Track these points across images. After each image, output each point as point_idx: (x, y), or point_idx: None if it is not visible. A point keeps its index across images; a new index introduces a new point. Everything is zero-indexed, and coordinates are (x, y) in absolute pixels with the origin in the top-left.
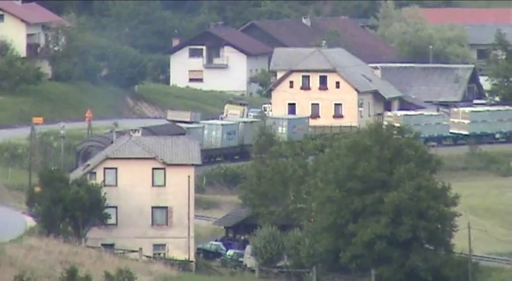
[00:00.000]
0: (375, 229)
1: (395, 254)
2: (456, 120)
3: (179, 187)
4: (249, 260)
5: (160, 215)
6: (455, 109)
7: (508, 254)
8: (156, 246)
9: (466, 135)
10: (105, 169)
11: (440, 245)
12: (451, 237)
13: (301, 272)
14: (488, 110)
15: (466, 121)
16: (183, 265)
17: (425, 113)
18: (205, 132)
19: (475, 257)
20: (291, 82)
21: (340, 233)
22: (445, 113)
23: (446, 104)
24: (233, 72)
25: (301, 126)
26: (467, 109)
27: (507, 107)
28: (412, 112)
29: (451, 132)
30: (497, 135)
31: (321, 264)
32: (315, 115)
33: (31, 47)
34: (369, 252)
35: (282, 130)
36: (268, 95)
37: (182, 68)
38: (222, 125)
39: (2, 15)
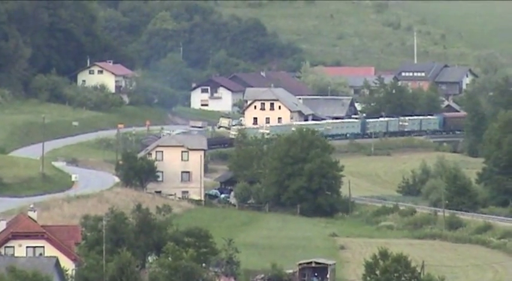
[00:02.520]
0: (299, 183)
1: (310, 196)
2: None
3: (195, 161)
4: (233, 200)
5: (186, 176)
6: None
7: (370, 197)
8: (184, 192)
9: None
10: (156, 151)
11: (333, 191)
12: (339, 188)
13: (260, 206)
14: (342, 122)
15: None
16: (198, 202)
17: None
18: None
19: (352, 198)
20: (255, 106)
21: (281, 185)
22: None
23: (337, 118)
24: (224, 101)
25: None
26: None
27: (351, 120)
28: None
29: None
30: (348, 135)
31: (270, 201)
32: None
33: (117, 87)
34: (296, 195)
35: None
36: (243, 113)
37: (197, 98)
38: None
39: (102, 70)
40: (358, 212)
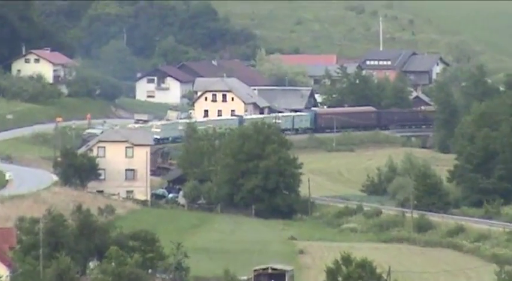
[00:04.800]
0: (254, 181)
1: (266, 196)
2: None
3: (141, 158)
4: (181, 200)
5: (130, 174)
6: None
7: (331, 197)
8: (128, 192)
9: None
10: (98, 147)
11: (292, 191)
12: (298, 186)
13: (211, 207)
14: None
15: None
16: (144, 202)
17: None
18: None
19: (312, 198)
20: (206, 98)
21: (234, 184)
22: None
23: (295, 110)
24: (172, 92)
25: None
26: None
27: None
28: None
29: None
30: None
31: (222, 202)
32: (220, 116)
33: (55, 77)
34: (251, 195)
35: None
36: (192, 105)
37: (143, 89)
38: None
39: (38, 59)
40: (318, 214)
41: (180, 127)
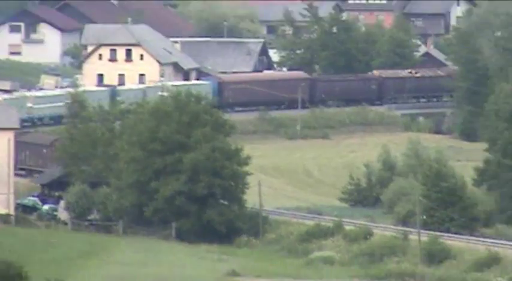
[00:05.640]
0: (174, 185)
1: (193, 209)
2: None
3: (0, 148)
4: (62, 214)
5: None
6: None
7: (294, 209)
8: None
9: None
10: None
11: (233, 200)
12: (243, 193)
13: (109, 224)
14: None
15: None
16: (4, 218)
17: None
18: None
19: (265, 211)
20: (100, 55)
21: (143, 190)
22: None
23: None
24: (49, 46)
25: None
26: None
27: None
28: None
29: None
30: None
31: (126, 217)
32: (121, 85)
33: None
34: (169, 206)
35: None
36: (80, 66)
37: (2, 42)
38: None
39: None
40: (274, 235)
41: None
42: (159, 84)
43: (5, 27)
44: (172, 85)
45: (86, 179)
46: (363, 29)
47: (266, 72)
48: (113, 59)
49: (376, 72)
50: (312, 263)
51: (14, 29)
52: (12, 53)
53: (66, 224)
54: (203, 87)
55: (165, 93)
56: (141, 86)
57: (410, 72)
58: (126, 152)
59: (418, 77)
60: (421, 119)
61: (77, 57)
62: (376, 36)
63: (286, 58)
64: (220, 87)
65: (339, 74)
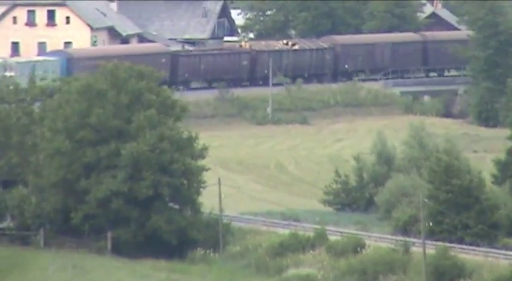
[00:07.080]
0: (110, 185)
1: (134, 214)
2: None
3: None
4: None
5: None
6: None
7: (264, 214)
8: None
9: None
10: None
11: (186, 203)
12: (198, 194)
13: (27, 234)
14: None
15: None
16: None
17: None
18: None
19: (227, 217)
20: (15, 18)
21: (71, 190)
22: None
23: (192, 42)
24: None
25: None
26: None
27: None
28: None
29: None
30: None
31: (49, 225)
32: (42, 55)
33: None
34: (104, 211)
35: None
36: None
37: None
38: None
39: None
40: (239, 248)
41: None
42: (0, 60)
43: None
44: (17, 62)
45: None
46: None
47: (126, 46)
48: (30, 23)
49: (245, 44)
50: None
51: None
52: None
53: None
54: (49, 64)
55: (8, 74)
56: None
57: (286, 44)
58: (48, 142)
59: (296, 50)
60: (426, 98)
61: None
62: None
63: (253, 21)
64: (69, 65)
65: (204, 47)
